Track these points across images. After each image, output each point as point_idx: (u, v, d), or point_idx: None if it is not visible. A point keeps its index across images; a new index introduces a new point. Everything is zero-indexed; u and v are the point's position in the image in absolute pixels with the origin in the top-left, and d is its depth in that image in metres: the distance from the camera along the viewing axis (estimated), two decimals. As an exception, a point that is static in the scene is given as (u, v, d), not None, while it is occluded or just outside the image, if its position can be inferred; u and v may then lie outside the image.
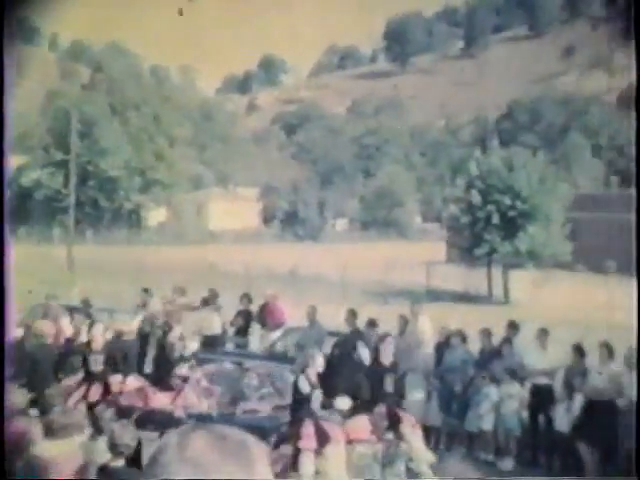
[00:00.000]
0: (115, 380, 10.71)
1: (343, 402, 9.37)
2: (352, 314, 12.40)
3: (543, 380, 10.81)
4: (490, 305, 30.34)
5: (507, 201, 31.98)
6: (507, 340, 11.42)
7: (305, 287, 29.41)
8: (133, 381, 10.80)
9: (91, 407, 10.06)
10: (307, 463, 8.54)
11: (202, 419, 9.45)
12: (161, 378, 10.86)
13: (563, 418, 10.57)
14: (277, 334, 13.31)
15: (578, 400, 10.40)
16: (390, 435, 8.85)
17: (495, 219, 32.13)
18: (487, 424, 10.86)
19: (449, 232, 39.98)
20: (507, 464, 10.67)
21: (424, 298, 26.11)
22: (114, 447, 5.67)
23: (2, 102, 6.15)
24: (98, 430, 8.02)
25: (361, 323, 12.29)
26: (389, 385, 9.99)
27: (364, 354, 10.99)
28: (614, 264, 41.18)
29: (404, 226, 72.17)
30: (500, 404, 10.88)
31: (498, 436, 10.86)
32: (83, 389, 10.53)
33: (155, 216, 69.80)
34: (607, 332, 14.35)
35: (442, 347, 11.76)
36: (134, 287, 16.30)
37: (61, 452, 5.59)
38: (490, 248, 32.30)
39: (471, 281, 33.65)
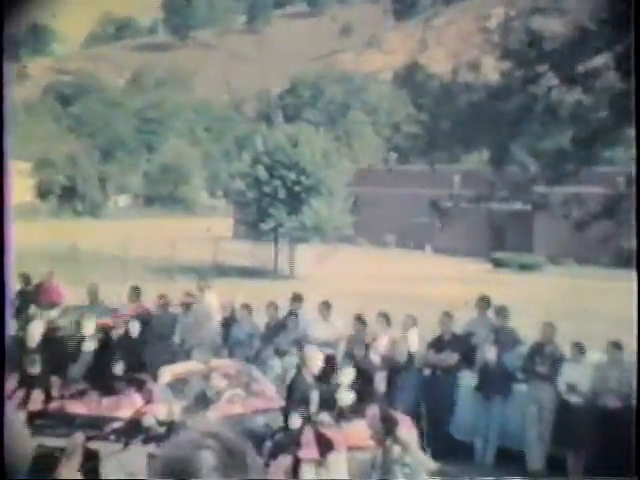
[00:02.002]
0: (56, 384, 9.50)
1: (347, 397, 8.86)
2: (135, 291, 12.23)
3: (327, 350, 11.07)
4: (276, 279, 30.83)
5: (292, 176, 32.52)
6: (292, 313, 11.60)
7: (85, 264, 28.25)
8: (75, 385, 9.65)
9: (32, 417, 8.73)
10: (309, 475, 8.02)
11: (174, 427, 8.36)
12: (101, 381, 9.69)
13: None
14: (54, 313, 12.75)
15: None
16: (388, 440, 8.20)
17: (281, 194, 32.58)
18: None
19: (235, 207, 40.06)
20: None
21: (211, 274, 25.98)
22: None
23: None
24: None
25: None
26: (380, 385, 9.58)
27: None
28: (393, 238, 43.41)
29: (190, 202, 71.42)
30: (285, 376, 11.01)
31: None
32: (21, 395, 9.23)
33: None
34: (386, 302, 15.04)
35: (229, 322, 11.74)
36: None
37: None
38: (276, 223, 32.73)
39: (258, 256, 34.00)
